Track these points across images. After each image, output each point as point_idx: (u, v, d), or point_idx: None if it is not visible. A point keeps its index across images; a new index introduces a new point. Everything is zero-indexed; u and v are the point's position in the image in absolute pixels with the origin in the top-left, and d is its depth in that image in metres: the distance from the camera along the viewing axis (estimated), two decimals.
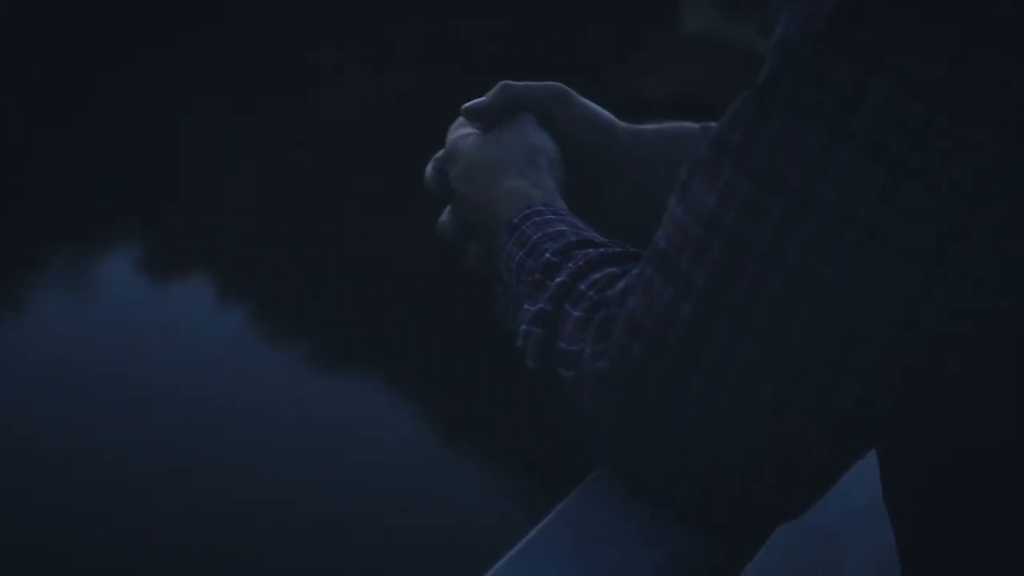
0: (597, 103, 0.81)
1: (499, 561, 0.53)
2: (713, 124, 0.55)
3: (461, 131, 0.76)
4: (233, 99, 4.56)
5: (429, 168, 0.76)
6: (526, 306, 0.61)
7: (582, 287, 0.58)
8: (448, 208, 0.75)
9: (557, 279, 0.59)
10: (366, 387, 2.93)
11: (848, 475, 0.65)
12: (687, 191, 0.53)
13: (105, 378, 2.60)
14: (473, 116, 0.75)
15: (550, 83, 0.77)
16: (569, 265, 0.60)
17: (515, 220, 0.65)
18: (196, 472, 2.40)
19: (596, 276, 0.58)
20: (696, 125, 0.76)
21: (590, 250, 0.61)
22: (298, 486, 2.41)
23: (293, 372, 2.91)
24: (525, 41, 5.43)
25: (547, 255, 0.61)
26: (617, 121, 0.78)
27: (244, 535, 2.28)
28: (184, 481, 2.35)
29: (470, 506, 2.38)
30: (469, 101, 0.76)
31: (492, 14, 5.76)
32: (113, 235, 3.69)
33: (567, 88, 0.77)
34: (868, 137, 0.48)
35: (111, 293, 3.19)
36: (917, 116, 0.47)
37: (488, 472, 2.56)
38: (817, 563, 0.75)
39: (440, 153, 0.76)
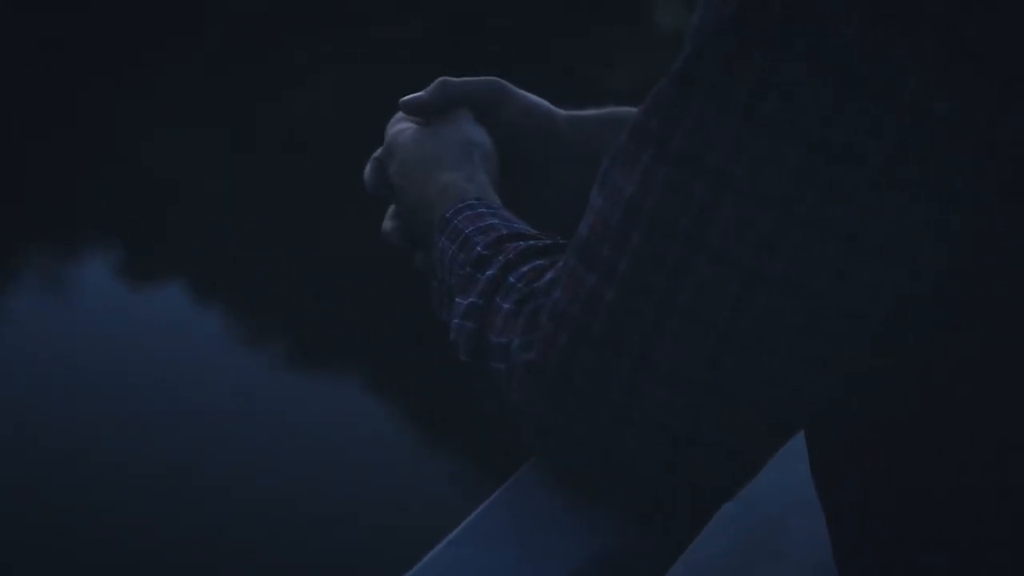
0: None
1: (434, 548, 0.55)
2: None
3: (399, 126, 0.77)
4: (218, 99, 4.58)
5: (368, 167, 0.77)
6: (458, 300, 0.62)
7: (511, 279, 0.59)
8: (390, 211, 0.76)
9: (487, 272, 0.60)
10: (362, 387, 2.95)
11: (797, 461, 0.65)
12: (607, 180, 0.54)
13: (94, 379, 2.61)
14: (411, 110, 0.76)
15: (487, 78, 0.78)
16: (499, 258, 0.61)
17: (447, 214, 0.67)
18: (189, 473, 2.41)
19: (525, 269, 0.59)
20: (636, 109, 0.75)
21: (520, 243, 0.62)
22: (293, 486, 2.42)
23: (286, 372, 2.93)
24: (496, 36, 5.44)
25: (478, 248, 0.62)
26: (556, 110, 0.79)
27: (239, 535, 2.29)
28: (177, 482, 2.36)
29: (463, 505, 2.39)
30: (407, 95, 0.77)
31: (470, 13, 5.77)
32: (99, 236, 3.71)
33: (504, 82, 0.78)
34: (781, 119, 0.49)
35: (96, 294, 3.21)
36: (827, 97, 0.48)
37: (482, 470, 2.57)
38: (762, 548, 0.75)
39: (379, 150, 0.77)
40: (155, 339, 2.86)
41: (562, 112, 0.80)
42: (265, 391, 2.77)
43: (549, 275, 0.56)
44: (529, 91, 0.81)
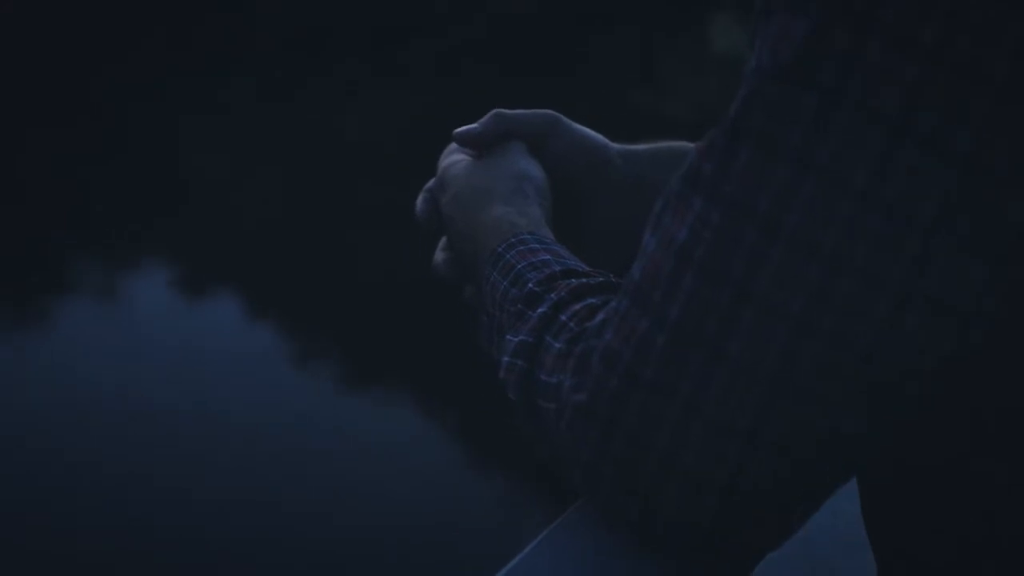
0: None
1: None
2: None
3: (452, 157, 0.77)
4: (272, 118, 4.63)
5: (420, 199, 0.77)
6: (508, 337, 0.62)
7: (563, 318, 0.58)
8: (441, 243, 0.76)
9: (539, 310, 0.60)
10: (412, 410, 2.95)
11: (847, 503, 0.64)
12: (659, 223, 0.54)
13: (142, 399, 2.62)
14: (464, 142, 0.76)
15: (541, 111, 0.78)
16: (551, 296, 0.60)
17: (499, 249, 0.66)
18: (218, 489, 2.42)
19: (577, 307, 0.59)
20: (691, 144, 0.75)
21: (572, 280, 0.61)
22: (340, 508, 2.43)
23: (336, 393, 2.94)
24: (545, 52, 5.43)
25: (530, 285, 0.62)
26: (610, 144, 0.79)
27: (266, 549, 2.30)
28: (205, 498, 2.37)
29: (483, 519, 2.39)
30: (461, 127, 0.77)
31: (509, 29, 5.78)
32: (151, 253, 3.74)
33: (557, 114, 0.78)
34: (832, 169, 0.48)
35: (147, 312, 3.23)
36: (878, 148, 0.48)
37: (508, 488, 2.56)
38: None
39: (431, 181, 0.77)
40: (205, 358, 2.89)
41: (615, 145, 0.80)
42: (316, 411, 2.78)
43: (601, 315, 0.56)
44: (581, 119, 0.81)
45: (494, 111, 0.78)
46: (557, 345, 0.58)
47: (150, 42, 5.41)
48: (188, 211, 3.82)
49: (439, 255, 0.77)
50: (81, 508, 2.28)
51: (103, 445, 2.47)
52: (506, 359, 0.61)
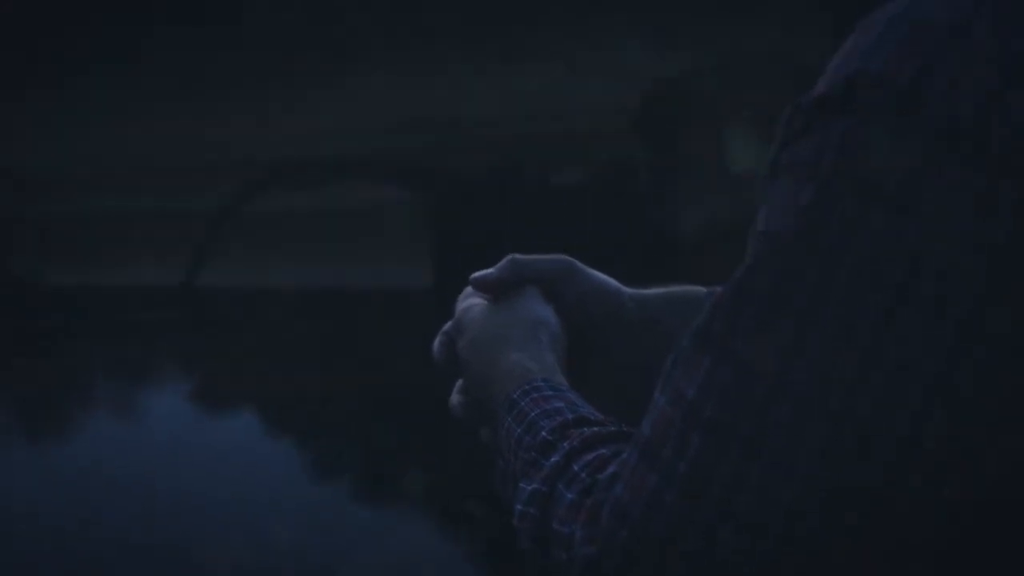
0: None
1: None
2: (719, 288, 0.57)
3: (469, 301, 0.78)
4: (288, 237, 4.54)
5: (437, 341, 0.78)
6: (522, 484, 0.62)
7: (575, 468, 0.59)
8: (458, 385, 0.77)
9: (552, 459, 0.60)
10: (427, 526, 2.86)
11: None
12: (669, 380, 0.54)
13: (164, 506, 2.55)
14: (481, 287, 0.78)
15: (557, 256, 0.79)
16: (564, 445, 0.61)
17: (514, 396, 0.67)
18: None
19: (589, 457, 0.59)
20: (703, 289, 0.77)
21: (585, 429, 0.62)
22: None
23: (352, 505, 2.92)
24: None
25: (543, 433, 0.63)
26: (623, 288, 0.80)
27: None
28: None
29: None
30: (477, 272, 0.79)
31: None
32: (172, 366, 3.67)
33: (572, 260, 0.79)
34: (836, 328, 0.50)
35: (168, 422, 3.18)
36: (881, 308, 0.49)
37: None
38: None
39: (448, 324, 0.78)
40: (224, 466, 2.84)
41: (628, 291, 0.81)
42: (331, 523, 2.73)
43: (612, 468, 0.56)
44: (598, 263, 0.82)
45: (510, 256, 0.80)
46: (569, 496, 0.58)
47: None
48: (207, 325, 3.75)
49: (455, 397, 0.78)
50: None
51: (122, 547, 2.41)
52: (519, 507, 0.61)
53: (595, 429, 0.61)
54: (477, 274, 0.78)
